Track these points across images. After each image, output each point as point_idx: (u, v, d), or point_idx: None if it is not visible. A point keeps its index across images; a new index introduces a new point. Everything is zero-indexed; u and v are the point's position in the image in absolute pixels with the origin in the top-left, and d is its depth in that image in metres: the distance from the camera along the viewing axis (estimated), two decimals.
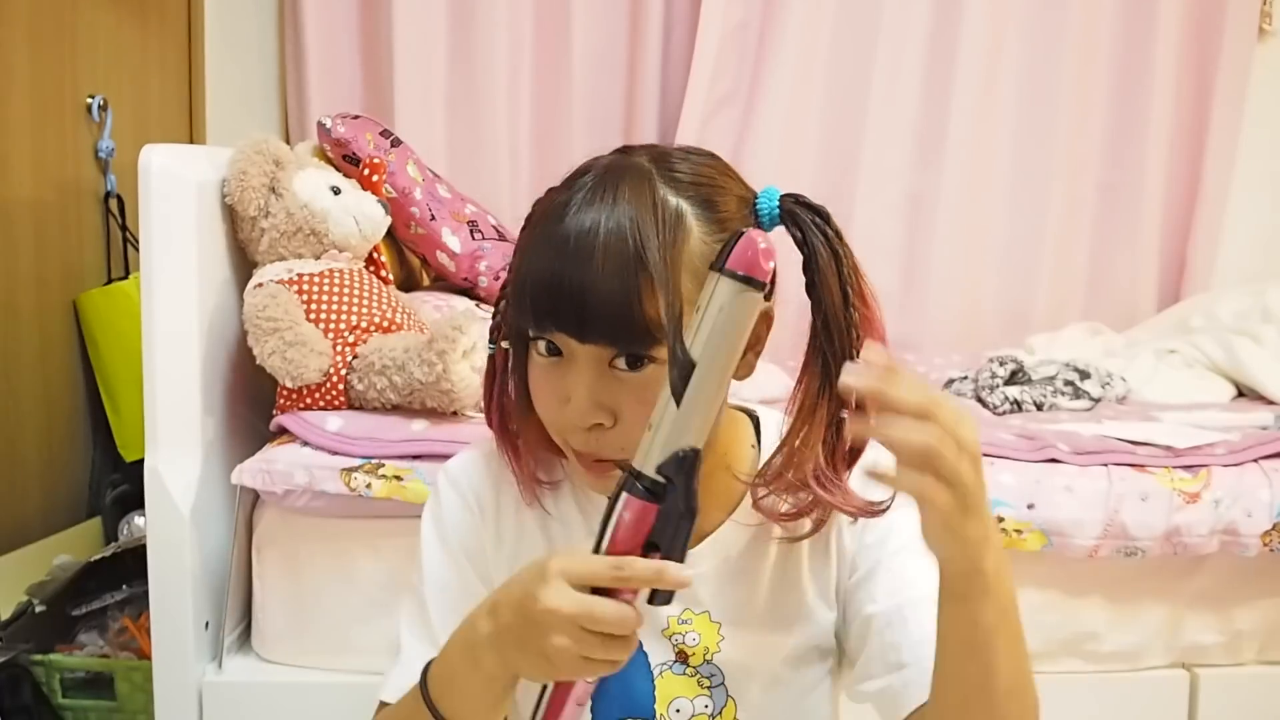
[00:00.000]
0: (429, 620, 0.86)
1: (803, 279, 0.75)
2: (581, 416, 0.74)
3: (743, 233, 0.63)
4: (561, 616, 0.63)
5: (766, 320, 0.79)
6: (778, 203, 0.76)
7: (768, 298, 0.76)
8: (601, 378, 0.74)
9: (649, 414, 0.67)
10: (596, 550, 0.65)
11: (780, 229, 0.76)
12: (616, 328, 0.71)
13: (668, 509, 0.64)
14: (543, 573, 0.65)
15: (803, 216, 0.75)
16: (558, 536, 0.87)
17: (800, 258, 0.75)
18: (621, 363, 0.73)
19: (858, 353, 0.75)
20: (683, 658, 0.84)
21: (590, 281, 0.71)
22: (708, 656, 0.84)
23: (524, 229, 0.79)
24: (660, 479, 0.63)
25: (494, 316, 0.84)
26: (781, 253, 0.71)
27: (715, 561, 0.84)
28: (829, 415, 0.76)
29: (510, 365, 0.83)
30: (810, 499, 0.78)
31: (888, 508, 0.78)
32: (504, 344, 0.82)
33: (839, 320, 0.74)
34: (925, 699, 0.75)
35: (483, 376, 0.87)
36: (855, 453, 0.77)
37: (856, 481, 0.79)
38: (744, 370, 0.78)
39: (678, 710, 0.84)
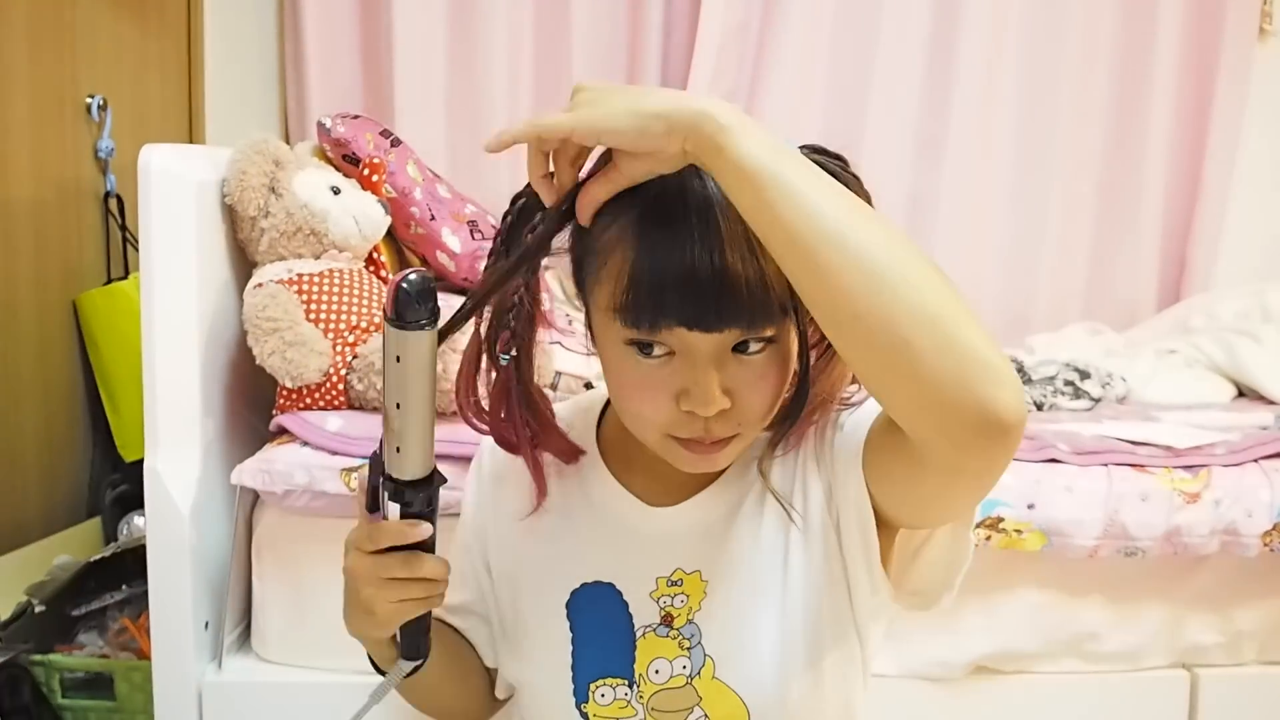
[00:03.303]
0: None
1: None
2: (710, 406, 0.73)
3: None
4: (358, 574, 0.76)
5: None
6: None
7: None
8: (725, 365, 0.74)
9: (770, 388, 0.75)
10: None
11: None
12: (753, 310, 0.71)
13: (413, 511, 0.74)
14: (344, 547, 0.78)
15: (826, 165, 0.76)
16: (559, 503, 0.90)
17: None
18: (746, 347, 0.74)
19: None
20: (668, 620, 0.84)
21: (722, 263, 0.70)
22: (690, 616, 0.84)
23: (528, 238, 0.76)
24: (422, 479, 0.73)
25: (498, 326, 0.80)
26: None
27: (703, 519, 0.85)
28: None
29: (519, 374, 0.82)
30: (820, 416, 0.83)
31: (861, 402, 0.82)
32: (512, 354, 0.81)
33: None
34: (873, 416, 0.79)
35: (475, 391, 0.83)
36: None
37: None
38: None
39: (656, 671, 0.84)
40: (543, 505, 0.89)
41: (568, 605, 0.86)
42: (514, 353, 0.81)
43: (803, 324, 0.75)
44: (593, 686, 0.85)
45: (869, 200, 0.76)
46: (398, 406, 0.69)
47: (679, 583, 0.84)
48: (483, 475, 0.94)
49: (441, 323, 0.69)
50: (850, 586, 0.83)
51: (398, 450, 0.71)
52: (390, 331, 0.67)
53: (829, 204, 0.65)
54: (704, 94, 2.28)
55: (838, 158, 0.78)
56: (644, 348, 0.74)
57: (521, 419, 0.84)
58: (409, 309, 0.66)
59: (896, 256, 0.66)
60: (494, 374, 0.82)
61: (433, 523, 0.74)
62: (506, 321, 0.80)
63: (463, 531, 0.95)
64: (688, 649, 0.83)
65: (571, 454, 0.88)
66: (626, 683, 0.84)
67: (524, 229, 0.77)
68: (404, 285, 0.66)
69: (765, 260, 0.70)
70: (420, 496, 0.73)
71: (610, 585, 0.85)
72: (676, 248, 0.70)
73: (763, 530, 0.84)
